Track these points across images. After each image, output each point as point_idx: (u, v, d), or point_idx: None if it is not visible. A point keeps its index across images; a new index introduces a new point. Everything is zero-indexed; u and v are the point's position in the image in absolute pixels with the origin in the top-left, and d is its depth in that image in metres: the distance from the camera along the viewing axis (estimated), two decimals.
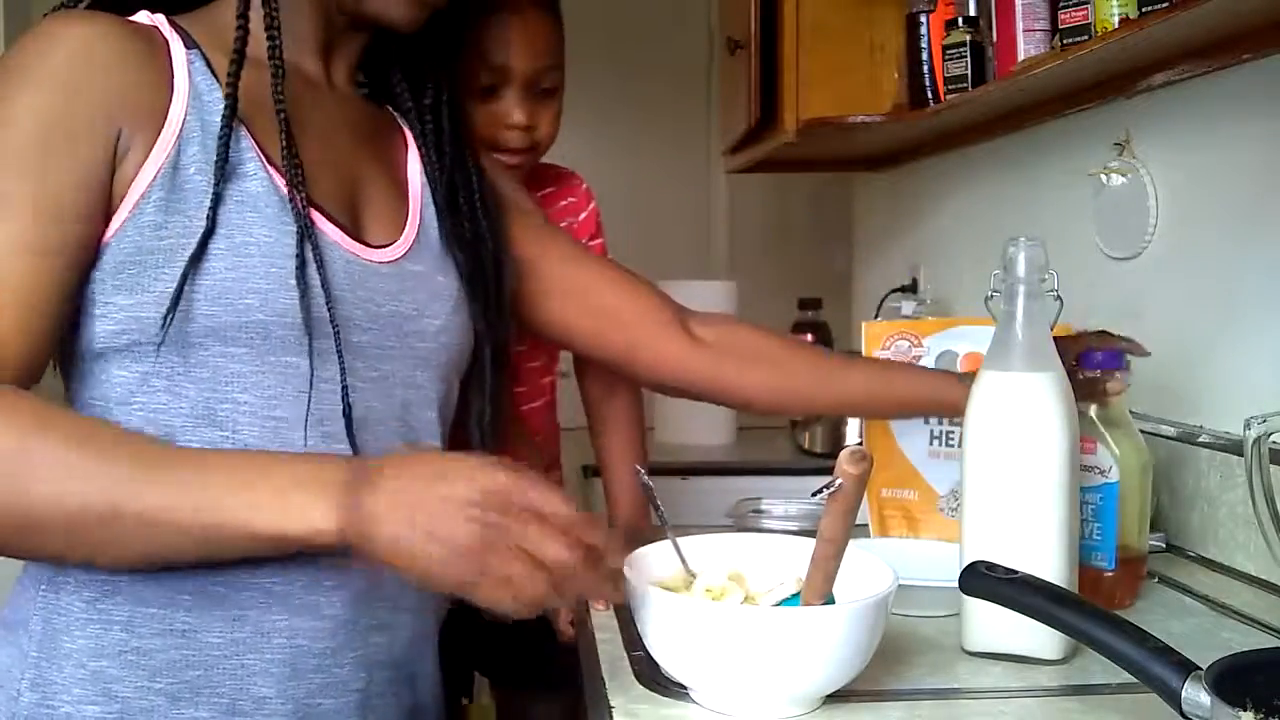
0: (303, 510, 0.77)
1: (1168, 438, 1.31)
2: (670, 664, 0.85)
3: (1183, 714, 0.69)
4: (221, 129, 0.86)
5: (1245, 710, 0.65)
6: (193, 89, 0.88)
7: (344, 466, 0.79)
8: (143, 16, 0.90)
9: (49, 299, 0.83)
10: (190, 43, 0.90)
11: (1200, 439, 1.27)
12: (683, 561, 0.93)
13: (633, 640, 0.92)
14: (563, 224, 1.39)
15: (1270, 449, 0.92)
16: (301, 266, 0.87)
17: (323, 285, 0.88)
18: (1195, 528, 1.27)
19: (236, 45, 0.89)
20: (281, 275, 0.86)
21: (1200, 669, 0.69)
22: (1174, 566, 1.23)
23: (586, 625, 1.05)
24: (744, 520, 1.47)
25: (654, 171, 2.78)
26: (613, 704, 0.85)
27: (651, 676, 0.89)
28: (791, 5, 1.89)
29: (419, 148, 1.05)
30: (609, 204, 1.44)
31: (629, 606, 0.87)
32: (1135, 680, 0.73)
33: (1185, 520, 1.29)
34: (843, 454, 0.80)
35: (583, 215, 1.41)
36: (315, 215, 0.91)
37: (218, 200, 0.85)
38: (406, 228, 1.00)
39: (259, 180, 0.88)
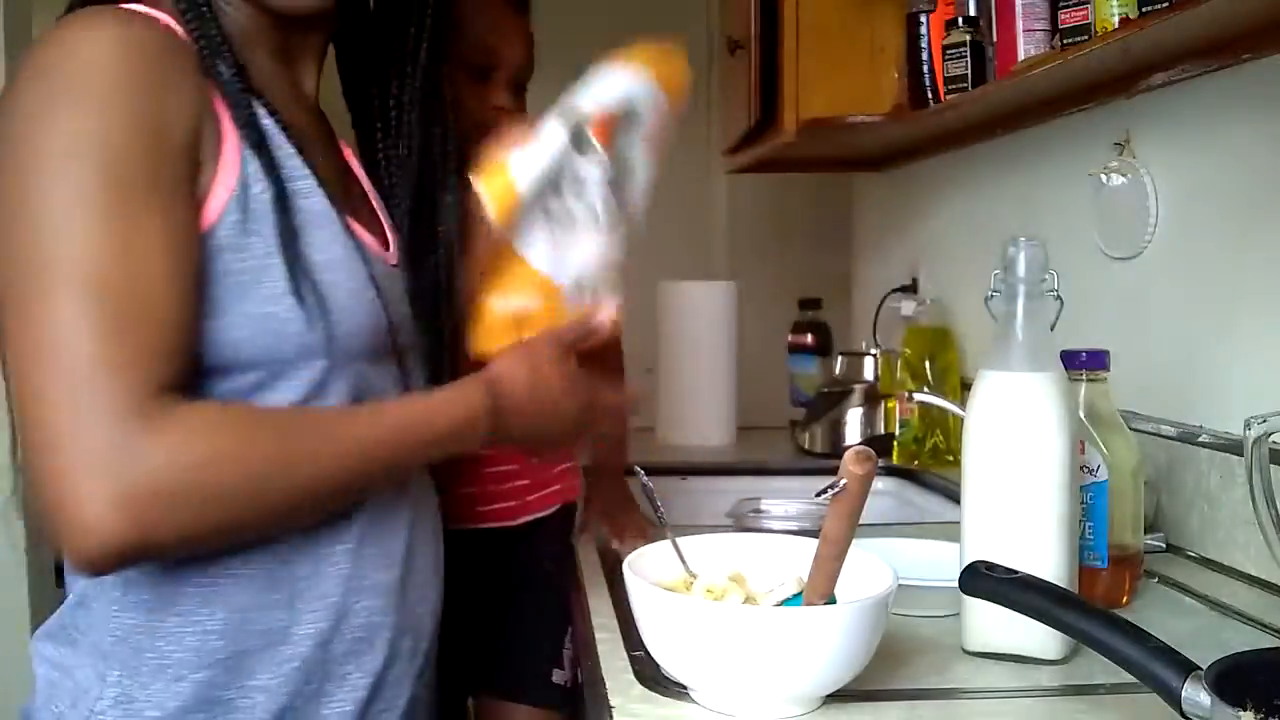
0: (468, 437, 0.93)
1: (1168, 438, 1.31)
2: (670, 664, 0.85)
3: (1183, 714, 0.69)
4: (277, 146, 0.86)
5: (1245, 710, 0.65)
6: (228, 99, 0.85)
7: (482, 404, 0.93)
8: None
9: (194, 314, 0.81)
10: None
11: (1200, 439, 1.27)
12: (683, 562, 0.93)
13: (633, 640, 0.92)
14: None
15: (1270, 449, 0.92)
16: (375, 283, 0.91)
17: (379, 295, 0.92)
18: (1195, 528, 1.27)
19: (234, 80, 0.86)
20: (354, 289, 0.89)
21: (1200, 669, 0.69)
22: (1174, 566, 1.23)
23: (587, 624, 1.05)
24: (744, 520, 1.46)
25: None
26: (613, 704, 0.85)
27: (651, 676, 0.89)
28: (791, 5, 1.89)
29: (381, 152, 1.06)
30: None
31: (629, 606, 0.87)
32: (1135, 680, 0.73)
33: (1185, 520, 1.29)
34: (847, 454, 0.80)
35: None
36: (352, 224, 0.93)
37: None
38: (387, 229, 1.02)
39: (317, 198, 0.89)
